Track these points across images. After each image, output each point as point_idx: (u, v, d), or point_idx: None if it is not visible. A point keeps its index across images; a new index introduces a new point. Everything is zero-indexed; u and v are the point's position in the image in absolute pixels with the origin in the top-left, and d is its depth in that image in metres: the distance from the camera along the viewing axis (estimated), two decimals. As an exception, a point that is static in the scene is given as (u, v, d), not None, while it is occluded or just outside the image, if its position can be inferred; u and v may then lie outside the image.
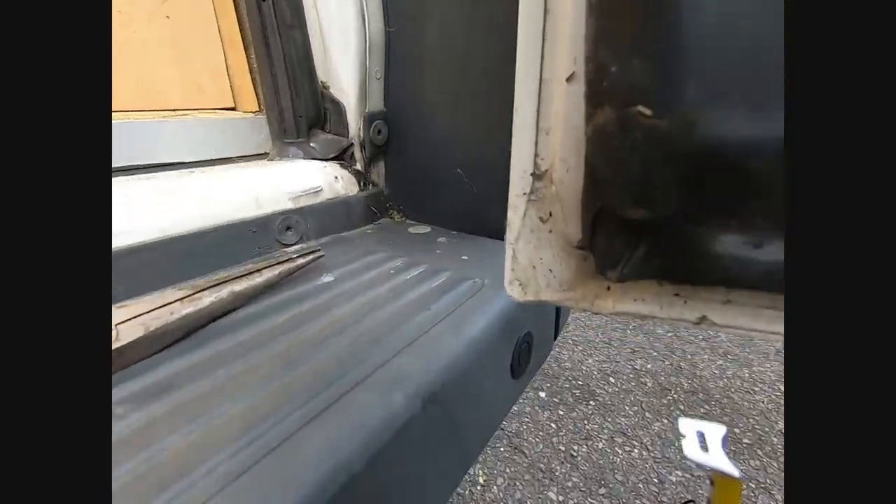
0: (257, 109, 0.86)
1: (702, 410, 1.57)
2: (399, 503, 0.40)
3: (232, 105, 0.84)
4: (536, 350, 0.66)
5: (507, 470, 1.36)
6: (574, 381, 1.72)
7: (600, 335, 2.00)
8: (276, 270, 0.57)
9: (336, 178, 0.81)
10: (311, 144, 0.82)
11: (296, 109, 0.78)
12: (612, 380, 1.73)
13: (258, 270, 0.55)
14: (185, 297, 0.47)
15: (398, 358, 0.44)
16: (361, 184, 0.87)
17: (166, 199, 0.59)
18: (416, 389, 0.41)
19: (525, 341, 0.62)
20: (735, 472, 0.53)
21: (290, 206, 0.73)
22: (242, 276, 0.53)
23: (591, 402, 1.62)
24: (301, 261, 0.60)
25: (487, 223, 0.82)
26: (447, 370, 0.45)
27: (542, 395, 1.68)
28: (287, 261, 0.59)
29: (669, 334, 1.97)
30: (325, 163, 0.81)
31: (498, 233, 0.56)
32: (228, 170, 0.69)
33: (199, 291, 0.48)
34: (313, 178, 0.77)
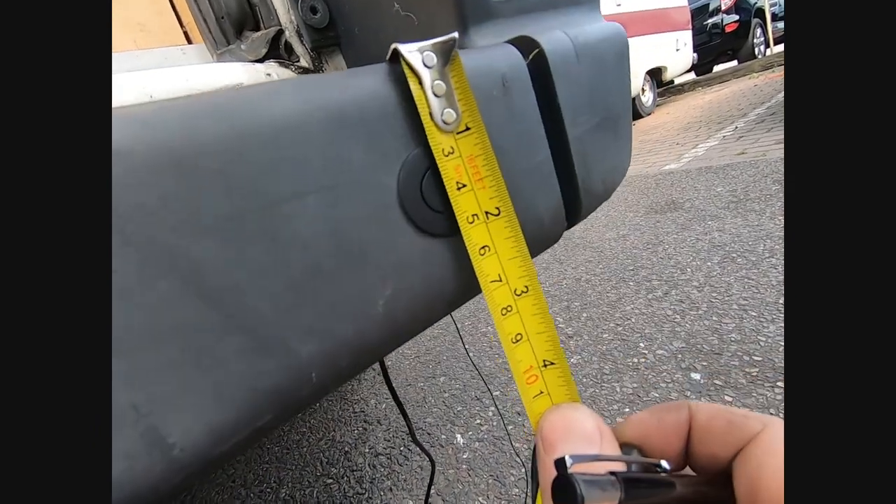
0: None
1: None
2: None
3: (184, 42, 0.78)
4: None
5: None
6: (746, 358, 1.18)
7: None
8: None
9: (268, 74, 0.65)
10: (242, 47, 0.69)
11: (215, 11, 0.67)
12: (815, 351, 1.13)
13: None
14: None
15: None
16: (313, 84, 0.69)
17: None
18: None
19: (429, 169, 0.33)
20: None
21: (197, 106, 0.59)
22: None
23: (778, 384, 1.06)
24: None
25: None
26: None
27: (696, 376, 1.19)
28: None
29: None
30: (254, 63, 0.67)
31: None
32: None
33: None
34: (230, 76, 0.63)
